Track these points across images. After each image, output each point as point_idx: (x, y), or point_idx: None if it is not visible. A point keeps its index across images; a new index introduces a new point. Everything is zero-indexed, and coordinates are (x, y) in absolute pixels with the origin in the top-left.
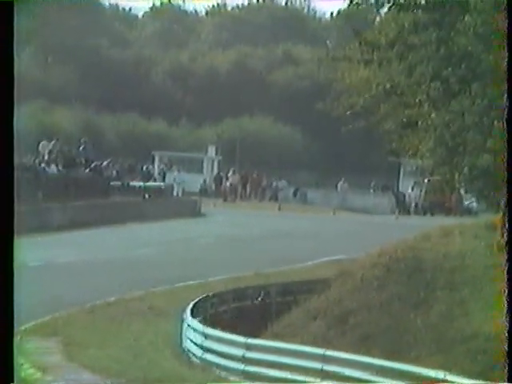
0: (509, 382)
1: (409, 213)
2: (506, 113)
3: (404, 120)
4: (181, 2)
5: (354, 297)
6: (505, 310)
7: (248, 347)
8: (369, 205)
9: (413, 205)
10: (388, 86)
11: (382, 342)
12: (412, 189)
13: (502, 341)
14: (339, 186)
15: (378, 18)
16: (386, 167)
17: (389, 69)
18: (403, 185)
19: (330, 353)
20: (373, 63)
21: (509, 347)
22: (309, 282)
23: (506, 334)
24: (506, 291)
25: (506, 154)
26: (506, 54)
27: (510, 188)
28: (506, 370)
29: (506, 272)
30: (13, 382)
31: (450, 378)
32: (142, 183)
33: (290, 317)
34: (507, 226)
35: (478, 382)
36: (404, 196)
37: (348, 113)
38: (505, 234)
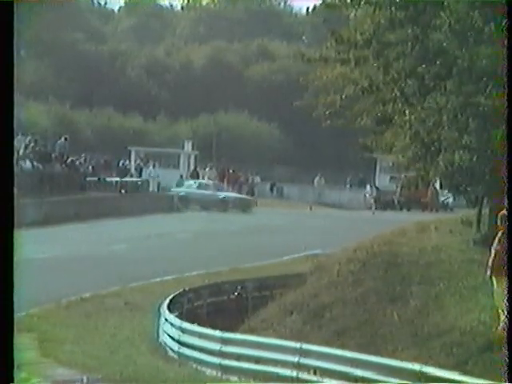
0: (509, 382)
1: (385, 208)
2: (506, 113)
3: (379, 116)
4: None
5: (330, 291)
6: (505, 310)
7: (224, 341)
8: (345, 200)
9: (389, 200)
10: (365, 83)
11: (358, 336)
12: (388, 184)
13: (476, 335)
14: (316, 181)
15: (353, 15)
16: (363, 163)
17: (365, 66)
18: (379, 180)
19: (306, 346)
20: (349, 61)
21: (509, 347)
22: (285, 277)
23: (506, 334)
24: (506, 291)
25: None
26: (506, 54)
27: (510, 187)
28: (505, 370)
29: (506, 272)
30: (13, 381)
31: (425, 370)
32: (118, 179)
33: (266, 311)
34: (507, 226)
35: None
36: (380, 191)
37: (326, 111)
38: (481, 230)
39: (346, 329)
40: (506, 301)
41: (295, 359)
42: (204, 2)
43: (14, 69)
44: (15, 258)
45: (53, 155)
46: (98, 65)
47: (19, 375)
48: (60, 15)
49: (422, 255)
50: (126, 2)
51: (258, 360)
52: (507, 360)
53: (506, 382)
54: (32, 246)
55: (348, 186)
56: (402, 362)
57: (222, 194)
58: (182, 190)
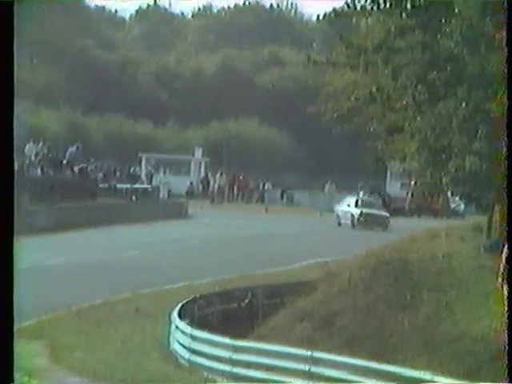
0: (509, 382)
1: (396, 215)
2: (506, 113)
3: (389, 123)
4: (167, 5)
5: (341, 299)
6: (505, 311)
7: (235, 349)
8: None
9: (400, 207)
10: (374, 89)
11: (368, 344)
12: (399, 191)
13: (488, 342)
14: (326, 187)
15: (363, 22)
16: (373, 169)
17: (375, 73)
18: (390, 187)
19: (317, 354)
20: (359, 67)
21: (509, 347)
22: (295, 284)
23: (506, 334)
24: (506, 291)
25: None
26: (506, 54)
27: (510, 189)
28: (505, 370)
29: (506, 272)
30: (13, 382)
31: (436, 378)
32: (128, 185)
33: (277, 319)
34: (507, 226)
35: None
36: (391, 198)
37: (335, 115)
38: (492, 236)
39: (357, 336)
40: (506, 302)
41: (306, 367)
42: (214, 10)
43: (13, 69)
44: (27, 266)
45: (64, 162)
46: (109, 72)
47: (31, 382)
48: (71, 22)
49: (433, 262)
50: (137, 10)
51: (268, 368)
52: (507, 360)
53: (505, 382)
54: (43, 252)
55: (359, 192)
56: (413, 370)
57: None
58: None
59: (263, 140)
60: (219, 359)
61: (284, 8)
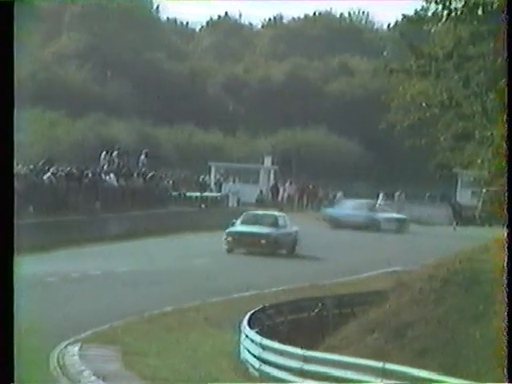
0: (509, 382)
1: (467, 224)
2: (506, 113)
3: (460, 131)
4: (237, 16)
5: (412, 309)
6: (505, 311)
7: (306, 359)
8: (426, 215)
9: (470, 216)
10: (445, 97)
11: (440, 357)
12: (470, 199)
13: None
14: (396, 196)
15: (434, 30)
16: (443, 178)
17: (445, 80)
18: (461, 195)
19: (389, 366)
20: (430, 75)
21: (509, 347)
22: (365, 294)
23: (506, 335)
24: (506, 291)
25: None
26: (506, 53)
27: (510, 192)
28: (505, 370)
29: (506, 272)
30: (13, 382)
31: None
32: (198, 193)
33: (347, 329)
34: (507, 226)
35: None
36: (461, 207)
37: (405, 125)
38: None
39: (428, 349)
40: (506, 300)
41: (378, 379)
42: (285, 20)
43: (14, 69)
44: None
45: (134, 170)
46: (179, 82)
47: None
48: (143, 35)
49: (505, 272)
50: (207, 22)
51: (339, 379)
52: (507, 360)
53: (505, 382)
54: (114, 259)
55: (428, 201)
56: None
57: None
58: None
59: (332, 148)
60: (290, 369)
61: (355, 17)
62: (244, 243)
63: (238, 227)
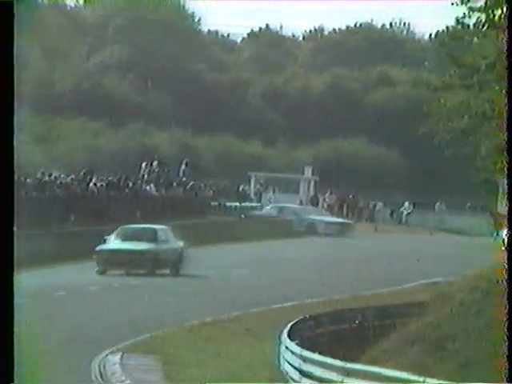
0: (509, 382)
1: None
2: (506, 113)
3: (501, 141)
4: (278, 28)
5: (453, 321)
6: (505, 311)
7: (347, 372)
8: (466, 226)
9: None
10: (487, 108)
11: (482, 370)
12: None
13: None
14: (436, 206)
15: (476, 41)
16: (484, 188)
17: (488, 91)
18: (502, 205)
19: (430, 380)
20: (472, 86)
21: (509, 347)
22: (406, 306)
23: (506, 334)
24: (506, 291)
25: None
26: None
27: (510, 193)
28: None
29: (506, 272)
30: (13, 382)
31: None
32: (238, 203)
33: (388, 341)
34: (507, 226)
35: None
36: (502, 216)
37: (448, 137)
38: None
39: (470, 362)
40: (506, 301)
41: None
42: (325, 32)
43: (14, 69)
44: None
45: (174, 180)
46: (219, 93)
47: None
48: (185, 47)
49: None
50: (248, 33)
51: None
52: (507, 360)
53: (506, 382)
54: None
55: (469, 211)
56: None
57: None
58: None
59: (372, 159)
60: (330, 382)
61: (396, 28)
62: (118, 262)
63: (111, 244)
